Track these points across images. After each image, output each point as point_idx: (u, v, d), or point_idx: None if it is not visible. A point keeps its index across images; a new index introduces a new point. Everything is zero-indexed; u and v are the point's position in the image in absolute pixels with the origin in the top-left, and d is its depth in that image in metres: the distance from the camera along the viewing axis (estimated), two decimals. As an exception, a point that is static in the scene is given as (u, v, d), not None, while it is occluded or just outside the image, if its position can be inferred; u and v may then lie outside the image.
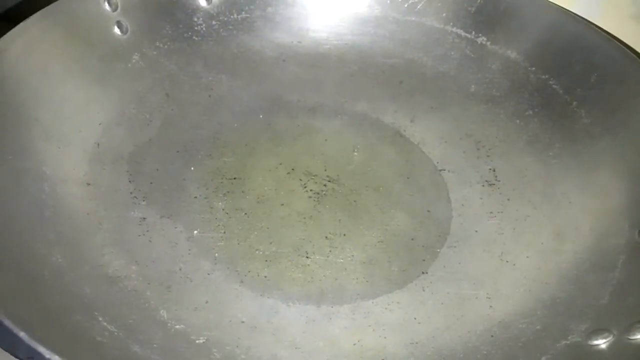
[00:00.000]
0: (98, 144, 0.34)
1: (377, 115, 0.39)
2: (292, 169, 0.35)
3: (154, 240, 0.30)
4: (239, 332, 0.27)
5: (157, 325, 0.26)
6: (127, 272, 0.28)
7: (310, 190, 0.34)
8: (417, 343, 0.27)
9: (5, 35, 0.31)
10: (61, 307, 0.24)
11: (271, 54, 0.41)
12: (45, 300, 0.24)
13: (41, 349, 0.19)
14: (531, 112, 0.38)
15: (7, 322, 0.19)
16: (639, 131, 0.32)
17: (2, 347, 0.25)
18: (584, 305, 0.27)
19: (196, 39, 0.40)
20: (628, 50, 0.35)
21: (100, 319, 0.24)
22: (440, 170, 0.36)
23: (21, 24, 0.32)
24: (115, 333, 0.24)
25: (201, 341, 0.26)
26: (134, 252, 0.29)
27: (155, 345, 0.24)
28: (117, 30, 0.37)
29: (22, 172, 0.29)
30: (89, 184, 0.32)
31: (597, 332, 0.25)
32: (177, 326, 0.26)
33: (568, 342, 0.25)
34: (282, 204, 0.33)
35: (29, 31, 0.32)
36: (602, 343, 0.24)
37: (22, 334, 0.19)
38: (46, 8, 0.34)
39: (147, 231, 0.31)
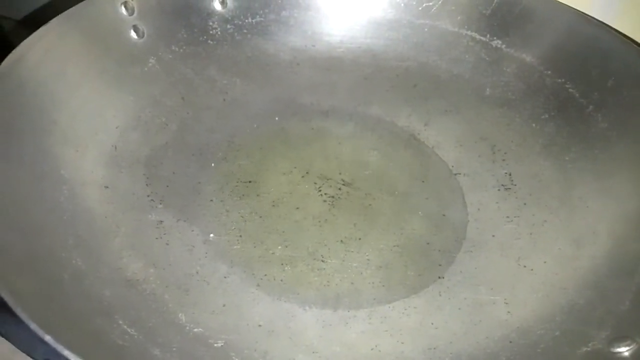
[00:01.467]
0: (115, 147, 0.34)
1: (391, 119, 0.39)
2: (307, 173, 0.35)
3: (171, 244, 0.31)
4: (257, 335, 0.27)
5: (175, 329, 0.26)
6: (145, 275, 0.28)
7: (325, 194, 0.34)
8: (435, 348, 0.27)
9: (24, 41, 0.32)
10: (82, 310, 0.24)
11: (285, 57, 0.41)
12: (66, 303, 0.24)
13: (66, 353, 0.19)
14: (547, 116, 0.37)
15: (33, 326, 0.19)
16: (657, 135, 0.32)
17: (21, 349, 0.25)
18: (604, 312, 0.27)
19: (211, 42, 0.41)
20: (645, 53, 0.35)
21: (121, 322, 0.25)
22: (456, 174, 0.36)
23: (40, 29, 0.32)
24: (136, 336, 0.24)
25: (219, 345, 0.26)
26: (151, 256, 0.30)
27: (174, 349, 0.24)
28: (133, 34, 0.38)
29: (41, 176, 0.29)
30: (106, 187, 0.32)
31: (619, 339, 0.25)
32: (196, 329, 0.26)
33: (589, 349, 0.25)
34: (297, 208, 0.33)
35: (48, 36, 0.33)
36: (625, 351, 0.24)
37: (47, 337, 0.19)
38: (64, 13, 0.34)
39: (164, 234, 0.31)
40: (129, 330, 0.24)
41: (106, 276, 0.27)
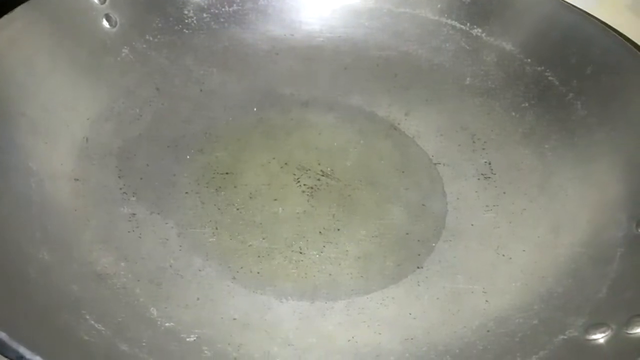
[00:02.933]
0: (87, 139, 0.33)
1: (372, 109, 0.38)
2: (286, 164, 0.35)
3: (144, 237, 0.30)
4: (231, 329, 0.26)
5: (146, 323, 0.25)
6: (116, 269, 0.28)
7: (304, 184, 0.34)
8: (412, 339, 0.26)
9: (-13, 30, 0.31)
10: (47, 306, 0.23)
11: (263, 47, 0.41)
12: (30, 299, 0.23)
13: (22, 350, 0.18)
14: (527, 105, 0.37)
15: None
16: (636, 122, 0.32)
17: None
18: (582, 299, 0.27)
19: (187, 32, 0.40)
20: (624, 41, 0.34)
21: (88, 317, 0.24)
22: (436, 164, 0.35)
23: (5, 16, 0.31)
24: (103, 331, 0.23)
25: (192, 339, 0.25)
26: (123, 249, 0.29)
27: (144, 344, 0.24)
28: (105, 23, 0.37)
29: (8, 168, 0.28)
30: (77, 180, 0.31)
31: (595, 326, 0.25)
32: (167, 324, 0.26)
33: (565, 337, 0.25)
34: (275, 199, 0.33)
35: (14, 24, 0.32)
36: (600, 338, 0.24)
37: (2, 335, 0.18)
38: (30, 1, 0.33)
39: (137, 227, 0.30)
40: (96, 326, 0.23)
41: (75, 271, 0.26)
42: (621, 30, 0.36)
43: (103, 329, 0.24)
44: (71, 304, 0.24)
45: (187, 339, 0.25)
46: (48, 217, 0.28)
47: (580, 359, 0.24)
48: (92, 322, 0.24)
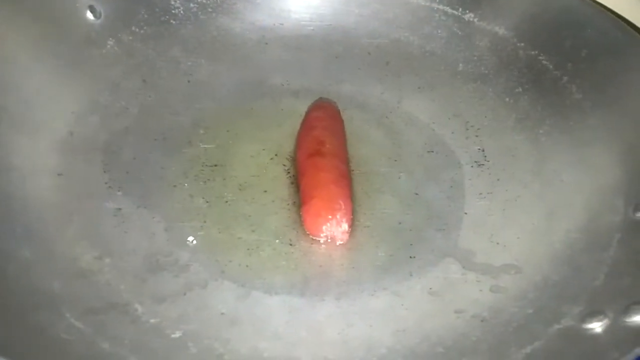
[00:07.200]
0: (71, 133, 0.33)
1: (364, 98, 0.38)
2: (276, 155, 0.34)
3: (130, 232, 0.29)
4: (218, 324, 0.26)
5: (129, 320, 0.25)
6: (100, 265, 0.27)
7: (294, 175, 0.33)
8: (404, 330, 0.26)
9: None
10: (25, 304, 0.23)
11: (253, 36, 0.40)
12: (7, 297, 0.23)
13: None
14: (521, 90, 0.36)
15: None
16: (632, 105, 0.31)
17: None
18: (578, 287, 0.26)
19: (174, 22, 0.39)
20: (620, 21, 0.34)
21: (68, 315, 0.23)
22: (429, 152, 0.35)
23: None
24: (83, 330, 0.23)
25: (177, 335, 0.25)
26: (108, 245, 0.28)
27: (126, 342, 0.23)
28: (89, 15, 0.36)
29: (-12, 163, 0.28)
30: (60, 175, 0.31)
31: (592, 314, 0.24)
32: (152, 320, 0.25)
33: (561, 326, 0.24)
34: (265, 191, 0.32)
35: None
36: (597, 326, 0.23)
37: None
38: (10, -7, 0.32)
39: (123, 222, 0.30)
40: (76, 324, 0.23)
41: (56, 267, 0.26)
42: (616, 11, 0.35)
43: (83, 326, 0.23)
44: (51, 302, 0.24)
45: (172, 335, 0.24)
46: (30, 213, 0.27)
47: (576, 349, 0.23)
48: (72, 320, 0.23)
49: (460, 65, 0.39)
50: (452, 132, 0.36)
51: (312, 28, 0.41)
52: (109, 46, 0.37)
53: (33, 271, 0.25)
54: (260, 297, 0.27)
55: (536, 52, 0.36)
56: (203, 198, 0.32)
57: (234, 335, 0.25)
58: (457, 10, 0.39)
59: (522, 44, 0.37)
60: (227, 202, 0.32)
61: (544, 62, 0.36)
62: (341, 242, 0.30)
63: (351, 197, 0.31)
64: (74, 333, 0.22)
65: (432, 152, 0.35)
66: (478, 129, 0.36)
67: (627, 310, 0.23)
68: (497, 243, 0.30)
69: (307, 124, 0.34)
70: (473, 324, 0.26)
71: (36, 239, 0.27)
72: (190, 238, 0.29)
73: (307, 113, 0.35)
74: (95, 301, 0.25)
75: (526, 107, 0.36)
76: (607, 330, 0.23)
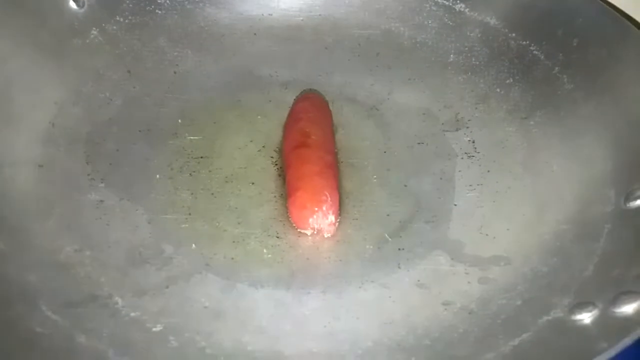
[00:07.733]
0: (53, 124, 0.32)
1: (354, 89, 0.37)
2: (263, 147, 0.34)
3: (112, 224, 0.29)
4: (201, 317, 0.25)
5: (109, 313, 0.24)
6: (81, 257, 0.26)
7: (282, 167, 0.33)
8: (391, 323, 0.25)
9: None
10: (-1, 297, 0.22)
11: (241, 27, 0.40)
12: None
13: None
14: (512, 80, 0.36)
15: None
16: (624, 95, 0.31)
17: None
18: (567, 278, 0.26)
19: (159, 12, 0.39)
20: (612, 10, 0.33)
21: (44, 308, 0.23)
22: (419, 143, 0.34)
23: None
24: (60, 323, 0.22)
25: (158, 329, 0.24)
26: (89, 237, 0.28)
27: (104, 335, 0.23)
28: (72, 4, 0.36)
29: (-34, 155, 0.27)
30: (41, 166, 0.30)
31: (581, 305, 0.23)
32: (132, 314, 0.24)
33: (550, 317, 0.24)
34: (252, 183, 0.32)
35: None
36: (586, 317, 0.23)
37: None
38: (-11, -20, 0.32)
39: (105, 214, 0.29)
40: (53, 317, 0.22)
41: (34, 260, 0.25)
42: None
43: (60, 320, 0.22)
44: (26, 295, 0.23)
45: (153, 329, 0.24)
46: (7, 205, 0.27)
47: (565, 340, 0.23)
48: (49, 313, 0.22)
49: (451, 56, 0.38)
50: (442, 124, 0.35)
51: (301, 19, 0.40)
52: (92, 36, 0.36)
53: (8, 264, 0.24)
54: (245, 290, 0.27)
55: (527, 42, 0.36)
56: (188, 190, 0.31)
57: (217, 329, 0.25)
58: (447, 0, 0.39)
59: (513, 34, 0.37)
60: (212, 194, 0.31)
61: (535, 52, 0.35)
62: (329, 235, 0.29)
63: (338, 188, 0.30)
64: (50, 326, 0.22)
65: (422, 143, 0.34)
66: (469, 120, 0.35)
67: (616, 300, 0.23)
68: (487, 235, 0.29)
69: (293, 116, 0.34)
70: (461, 316, 0.25)
71: (13, 231, 0.26)
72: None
73: (293, 105, 0.35)
74: (73, 294, 0.24)
75: (517, 98, 0.35)
76: (595, 321, 0.23)
